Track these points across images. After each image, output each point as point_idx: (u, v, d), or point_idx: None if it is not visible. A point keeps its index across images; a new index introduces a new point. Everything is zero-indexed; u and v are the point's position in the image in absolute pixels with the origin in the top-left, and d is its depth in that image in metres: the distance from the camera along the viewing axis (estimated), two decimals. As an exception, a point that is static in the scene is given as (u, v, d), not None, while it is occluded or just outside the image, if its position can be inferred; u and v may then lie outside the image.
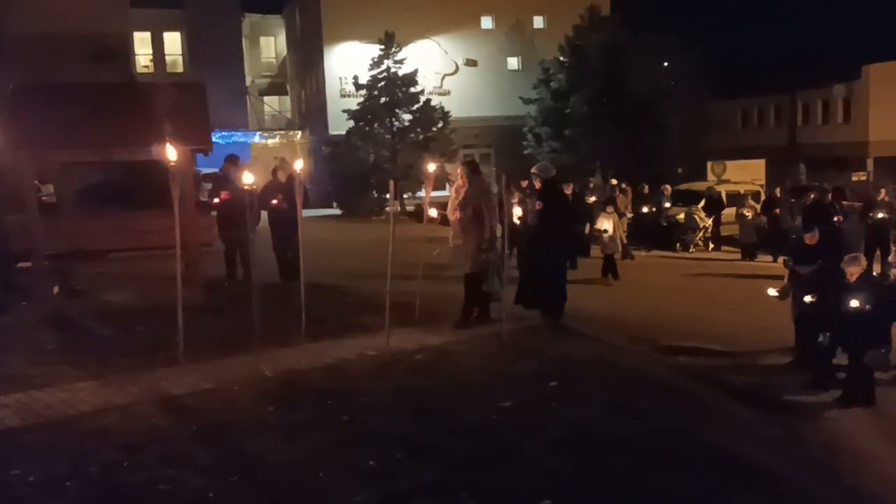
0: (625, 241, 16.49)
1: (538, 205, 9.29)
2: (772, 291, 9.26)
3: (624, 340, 9.33)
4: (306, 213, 29.41)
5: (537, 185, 9.50)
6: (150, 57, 40.60)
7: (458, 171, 9.06)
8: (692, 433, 6.13)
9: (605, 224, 14.59)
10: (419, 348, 8.01)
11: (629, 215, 19.09)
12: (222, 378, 6.88)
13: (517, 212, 9.86)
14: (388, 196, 31.14)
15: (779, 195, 19.60)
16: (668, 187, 21.05)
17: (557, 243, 9.42)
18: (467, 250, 8.79)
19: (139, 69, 38.14)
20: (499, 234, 8.90)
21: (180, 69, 40.94)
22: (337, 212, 32.56)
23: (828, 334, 8.00)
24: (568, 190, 14.80)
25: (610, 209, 14.90)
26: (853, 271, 7.93)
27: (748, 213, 18.43)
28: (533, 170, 9.69)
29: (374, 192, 30.82)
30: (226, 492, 4.78)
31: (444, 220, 8.85)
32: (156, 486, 4.78)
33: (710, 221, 20.55)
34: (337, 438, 5.60)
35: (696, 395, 7.37)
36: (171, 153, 7.11)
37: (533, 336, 8.83)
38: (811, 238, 8.92)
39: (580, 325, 9.41)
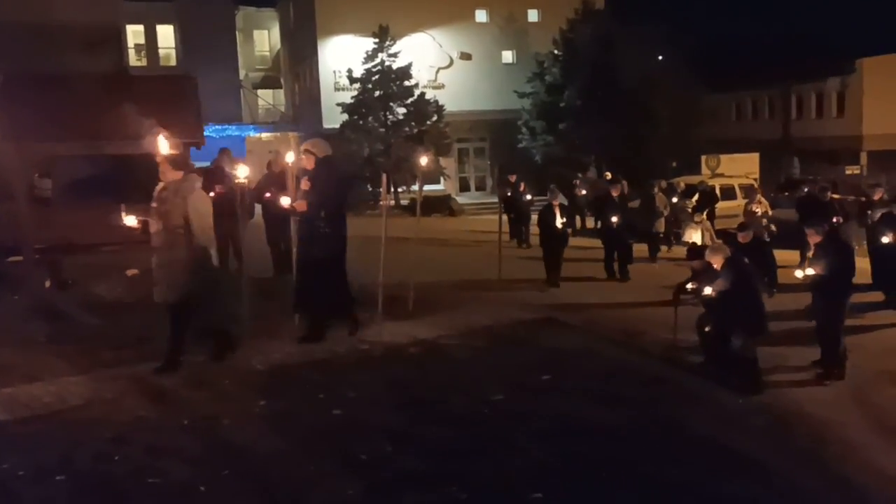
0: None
1: (304, 184, 7.69)
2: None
3: (618, 334, 9.36)
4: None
5: (309, 164, 7.73)
6: (144, 50, 40.43)
7: (160, 168, 6.78)
8: (681, 423, 6.16)
9: (695, 236, 13.14)
10: (411, 341, 8.00)
11: (666, 213, 17.51)
12: (213, 371, 6.87)
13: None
14: (381, 189, 31.20)
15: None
16: (682, 182, 20.62)
17: (332, 231, 7.66)
18: (170, 273, 6.69)
19: (132, 62, 37.95)
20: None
21: (173, 62, 40.76)
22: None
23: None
24: (616, 192, 14.37)
25: (699, 218, 13.25)
26: (716, 260, 8.03)
27: (758, 210, 16.21)
28: (305, 145, 8.01)
29: (369, 186, 30.78)
30: (216, 484, 4.78)
31: (145, 227, 6.80)
32: (145, 479, 4.77)
33: (701, 216, 20.49)
34: (327, 431, 5.61)
35: (685, 386, 7.39)
36: (160, 146, 7.08)
37: (527, 329, 8.85)
38: (814, 236, 8.56)
39: (575, 320, 9.43)
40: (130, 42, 39.03)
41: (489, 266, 12.63)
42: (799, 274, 8.72)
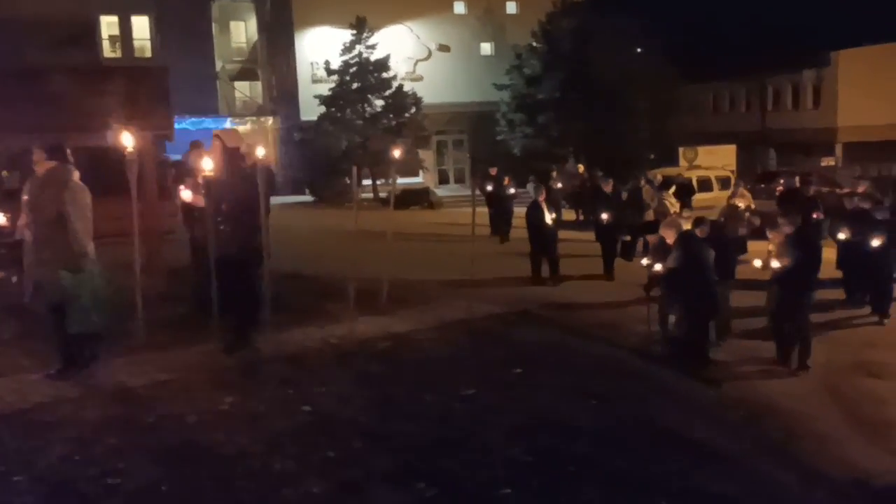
0: None
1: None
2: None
3: (595, 328, 9.35)
4: (278, 199, 29.06)
5: (215, 154, 7.11)
6: (118, 41, 39.84)
7: (34, 157, 6.32)
8: (653, 417, 6.14)
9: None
10: (384, 336, 7.93)
11: (654, 206, 16.75)
12: (181, 367, 6.75)
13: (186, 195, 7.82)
14: (351, 181, 31.01)
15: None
16: (659, 174, 20.59)
17: (231, 231, 7.02)
18: (46, 271, 6.24)
19: (106, 53, 37.44)
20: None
21: (149, 54, 40.19)
22: (309, 198, 32.32)
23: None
24: (608, 187, 14.02)
25: (783, 221, 10.53)
26: (669, 234, 8.08)
27: (741, 203, 14.93)
28: (215, 132, 7.35)
29: (347, 179, 30.57)
30: (179, 484, 4.68)
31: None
32: (105, 480, 4.66)
33: (679, 207, 20.57)
34: (296, 428, 5.52)
35: (659, 380, 7.38)
36: (126, 139, 6.94)
37: (501, 323, 8.81)
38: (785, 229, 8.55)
39: (551, 314, 9.41)
40: (105, 33, 38.53)
41: (466, 261, 12.50)
42: (757, 263, 8.75)
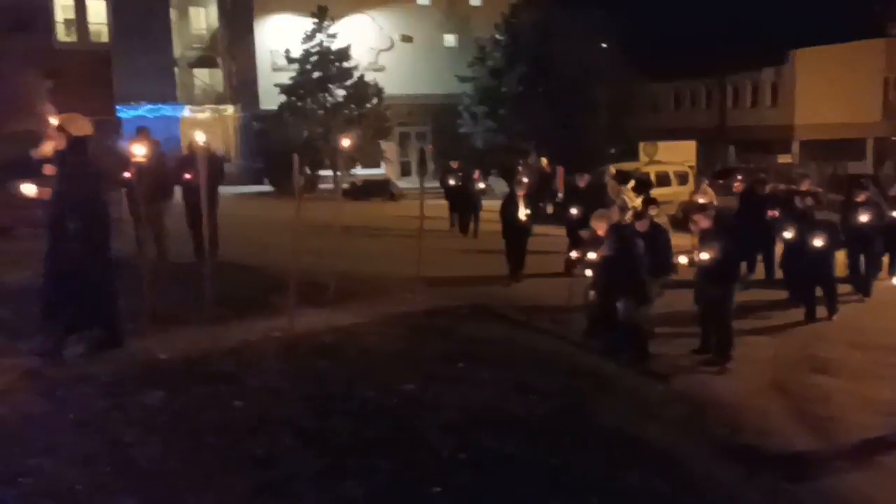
0: None
1: (49, 169, 6.32)
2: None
3: (543, 322, 9.27)
4: (235, 190, 28.64)
5: (61, 144, 6.32)
6: (73, 25, 38.82)
7: None
8: (595, 413, 6.06)
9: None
10: (327, 329, 7.73)
11: (618, 201, 16.93)
12: (111, 361, 6.48)
13: None
14: (320, 173, 30.74)
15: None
16: (612, 168, 20.57)
17: (80, 227, 6.27)
18: None
19: (61, 38, 36.43)
20: None
21: (105, 39, 39.24)
22: (268, 188, 31.88)
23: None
24: (583, 182, 13.80)
25: (699, 216, 8.79)
26: (600, 226, 8.11)
27: (703, 200, 13.63)
28: (59, 119, 6.47)
29: (307, 169, 30.23)
30: (95, 484, 4.45)
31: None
32: (16, 480, 4.42)
33: (639, 202, 20.63)
34: (225, 425, 5.31)
35: (605, 375, 7.31)
36: (60, 125, 6.64)
37: (448, 317, 8.67)
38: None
39: (500, 308, 9.30)
40: (59, 17, 37.50)
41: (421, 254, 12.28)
42: (683, 259, 8.75)
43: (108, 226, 6.61)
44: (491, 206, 16.68)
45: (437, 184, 22.16)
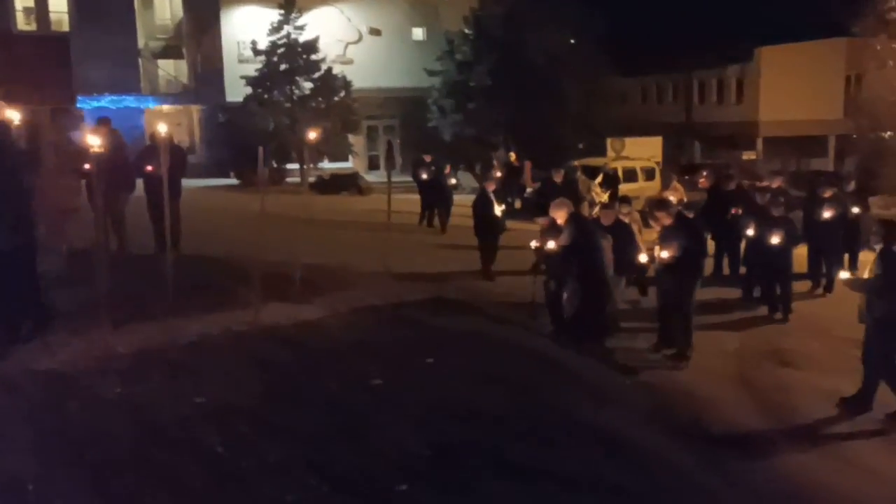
0: None
1: None
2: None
3: (512, 315, 9.21)
4: (201, 182, 28.15)
5: None
6: (33, 13, 37.95)
7: None
8: (562, 406, 6.03)
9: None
10: (293, 323, 7.62)
11: (588, 197, 16.35)
12: (70, 354, 6.31)
13: None
14: (287, 166, 30.43)
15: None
16: (577, 163, 20.57)
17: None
18: None
19: (20, 26, 35.62)
20: None
21: (66, 28, 38.47)
22: (234, 181, 31.46)
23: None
24: (559, 177, 13.54)
25: (660, 213, 8.41)
26: (560, 215, 8.13)
27: (673, 197, 13.08)
28: None
29: (274, 162, 29.87)
30: (47, 479, 4.32)
31: None
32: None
33: (606, 197, 20.73)
34: (185, 419, 5.19)
35: (572, 368, 7.29)
36: (12, 113, 6.45)
37: (416, 310, 8.59)
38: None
39: (468, 300, 9.24)
40: (19, 5, 36.65)
41: (388, 248, 12.17)
42: (643, 258, 8.74)
43: (27, 215, 6.33)
44: (461, 202, 16.61)
45: (406, 178, 21.96)
